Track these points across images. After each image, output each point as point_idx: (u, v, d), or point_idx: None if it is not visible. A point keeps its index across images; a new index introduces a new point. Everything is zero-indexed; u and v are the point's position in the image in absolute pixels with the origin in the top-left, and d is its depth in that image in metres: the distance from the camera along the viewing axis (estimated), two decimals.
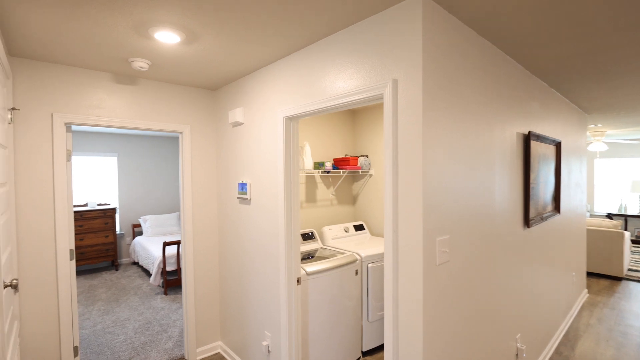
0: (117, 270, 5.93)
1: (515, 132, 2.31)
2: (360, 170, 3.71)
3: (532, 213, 2.57)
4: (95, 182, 6.26)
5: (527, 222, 2.47)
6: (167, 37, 1.83)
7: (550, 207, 3.03)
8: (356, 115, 3.90)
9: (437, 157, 1.51)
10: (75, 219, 5.55)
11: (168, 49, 2.04)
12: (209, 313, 3.07)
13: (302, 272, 2.46)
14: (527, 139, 2.46)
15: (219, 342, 3.12)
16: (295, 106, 2.08)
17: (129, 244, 6.50)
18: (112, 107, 2.54)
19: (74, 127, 5.76)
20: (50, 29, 1.76)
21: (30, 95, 2.21)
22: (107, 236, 5.86)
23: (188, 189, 2.94)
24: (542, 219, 2.74)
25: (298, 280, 2.29)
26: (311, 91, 1.97)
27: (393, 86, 1.48)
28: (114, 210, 5.92)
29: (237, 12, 1.58)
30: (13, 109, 2.09)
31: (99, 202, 6.28)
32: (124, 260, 6.45)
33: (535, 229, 2.66)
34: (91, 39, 1.90)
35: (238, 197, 2.75)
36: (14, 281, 1.60)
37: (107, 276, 5.58)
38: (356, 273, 2.82)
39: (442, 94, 1.53)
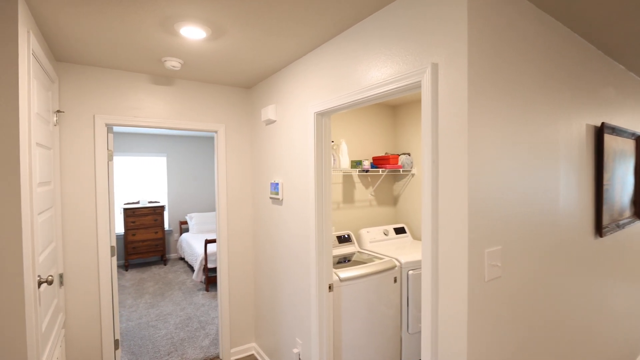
0: (165, 264, 6.23)
1: (585, 124, 1.96)
2: (401, 170, 3.48)
3: (606, 219, 2.18)
4: (147, 181, 6.63)
5: (599, 230, 2.10)
6: (193, 33, 1.78)
7: (628, 213, 2.58)
8: (397, 110, 3.66)
9: (487, 154, 1.28)
10: (128, 216, 5.90)
11: (196, 46, 2.00)
12: (243, 314, 3.04)
13: (335, 277, 2.31)
14: (599, 132, 2.09)
15: (253, 344, 3.08)
16: (326, 101, 1.94)
17: (177, 240, 6.81)
18: (150, 108, 2.58)
19: (127, 130, 6.14)
20: (78, 29, 1.79)
21: (74, 97, 2.31)
22: (156, 232, 6.17)
23: (223, 189, 2.93)
24: (619, 227, 2.32)
25: (330, 287, 2.15)
26: (342, 84, 1.81)
27: (432, 71, 1.28)
28: (162, 207, 6.22)
29: (261, 1, 1.48)
30: (58, 111, 2.19)
31: (149, 200, 6.65)
32: (172, 255, 6.76)
33: (609, 238, 2.26)
34: (121, 39, 1.91)
35: (270, 198, 2.68)
36: (50, 277, 1.65)
37: (156, 270, 5.87)
38: (395, 280, 2.61)
39: (493, 78, 1.30)
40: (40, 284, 1.61)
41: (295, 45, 2.01)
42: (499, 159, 1.34)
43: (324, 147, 2.10)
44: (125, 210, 5.89)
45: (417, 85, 1.38)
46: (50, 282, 1.64)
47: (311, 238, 2.13)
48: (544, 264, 1.61)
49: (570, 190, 1.82)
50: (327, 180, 2.11)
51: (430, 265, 1.30)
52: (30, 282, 1.49)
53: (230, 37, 1.88)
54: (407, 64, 1.42)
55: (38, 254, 1.67)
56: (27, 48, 1.51)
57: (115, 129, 5.92)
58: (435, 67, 1.28)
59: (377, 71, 1.57)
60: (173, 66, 2.25)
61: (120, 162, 6.35)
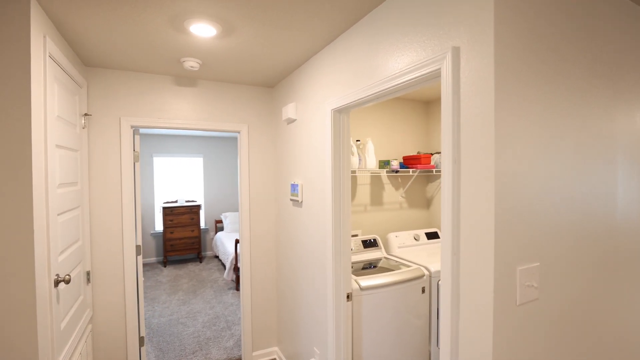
0: (200, 262, 6.41)
1: None
2: (434, 170, 3.23)
3: None
4: (185, 181, 6.88)
5: None
6: (203, 30, 1.73)
7: None
8: (430, 106, 3.41)
9: (519, 152, 1.08)
10: (166, 214, 6.15)
11: (210, 44, 1.95)
12: (266, 317, 2.99)
13: (355, 286, 2.16)
14: None
15: (275, 348, 3.02)
16: (342, 96, 1.80)
17: (212, 239, 6.99)
18: (174, 109, 2.61)
19: (166, 132, 6.40)
20: (93, 31, 1.81)
21: (101, 100, 2.38)
22: (192, 230, 6.37)
23: (245, 191, 2.89)
24: None
25: (349, 296, 2.01)
26: (358, 78, 1.67)
27: (453, 56, 1.10)
28: (198, 206, 6.41)
29: None
30: (86, 114, 2.26)
31: (187, 199, 6.89)
32: (208, 253, 6.96)
33: None
34: (136, 40, 1.91)
35: (291, 199, 2.59)
36: (67, 277, 1.68)
37: (192, 267, 6.06)
38: (423, 291, 2.40)
39: (526, 62, 1.09)
40: (57, 283, 1.65)
41: (307, 40, 1.90)
42: (535, 158, 1.12)
43: (343, 145, 1.96)
44: (164, 209, 6.15)
45: (438, 74, 1.21)
46: (67, 282, 1.67)
47: (327, 243, 2.00)
48: (596, 284, 1.35)
49: (632, 193, 1.53)
50: (345, 181, 1.97)
51: (450, 285, 1.12)
52: (44, 282, 1.52)
53: (241, 34, 1.81)
54: (426, 51, 1.25)
55: (57, 253, 1.71)
56: (43, 52, 1.54)
57: (155, 131, 6.20)
58: (456, 52, 1.10)
59: (393, 61, 1.41)
60: (192, 66, 2.24)
61: (160, 163, 6.64)
